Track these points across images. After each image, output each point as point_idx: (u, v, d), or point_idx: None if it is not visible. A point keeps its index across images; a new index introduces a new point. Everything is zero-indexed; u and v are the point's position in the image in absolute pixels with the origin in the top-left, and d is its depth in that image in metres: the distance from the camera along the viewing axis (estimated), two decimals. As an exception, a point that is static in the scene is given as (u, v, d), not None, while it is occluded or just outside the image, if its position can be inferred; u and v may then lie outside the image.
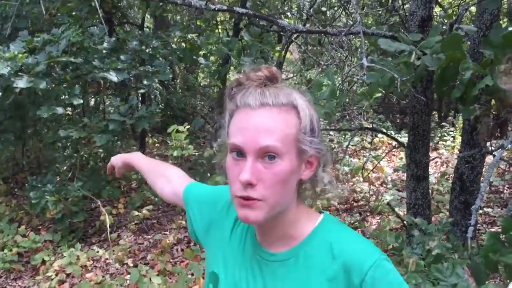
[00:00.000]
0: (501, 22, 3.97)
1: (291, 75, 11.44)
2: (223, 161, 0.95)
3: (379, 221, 5.12)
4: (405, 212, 4.06)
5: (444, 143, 8.27)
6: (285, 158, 0.86)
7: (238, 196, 0.87)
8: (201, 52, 6.08)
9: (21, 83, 4.14)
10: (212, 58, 6.32)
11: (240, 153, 0.86)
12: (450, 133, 8.79)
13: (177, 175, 1.37)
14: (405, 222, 3.76)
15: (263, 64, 5.03)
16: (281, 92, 0.89)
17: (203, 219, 1.14)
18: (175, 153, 4.35)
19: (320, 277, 0.89)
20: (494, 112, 2.40)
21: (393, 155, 7.98)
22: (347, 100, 6.15)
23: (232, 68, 6.34)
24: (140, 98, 7.42)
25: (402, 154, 7.48)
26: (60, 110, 4.58)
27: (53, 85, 4.74)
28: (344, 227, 0.98)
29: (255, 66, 0.97)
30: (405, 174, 3.79)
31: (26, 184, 4.95)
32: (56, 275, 4.01)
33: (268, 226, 0.93)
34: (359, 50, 6.14)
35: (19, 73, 4.25)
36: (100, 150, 6.17)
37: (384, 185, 6.43)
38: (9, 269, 4.30)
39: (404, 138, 6.61)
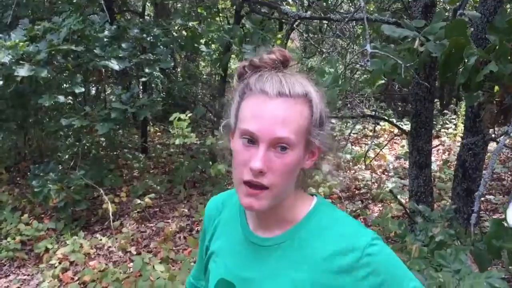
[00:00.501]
0: (505, 7, 3.94)
1: (292, 63, 11.39)
2: (228, 143, 0.96)
3: (381, 208, 5.13)
4: (407, 200, 4.06)
5: (446, 130, 8.26)
6: (295, 149, 0.87)
7: (245, 181, 0.86)
8: (202, 40, 6.05)
9: (22, 71, 4.13)
10: (213, 46, 6.29)
11: (252, 139, 0.86)
12: (452, 120, 8.78)
13: None
14: (407, 209, 3.76)
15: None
16: (297, 82, 0.89)
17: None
18: (177, 141, 4.36)
19: (315, 258, 0.91)
20: (497, 99, 2.39)
21: (395, 143, 7.98)
22: (349, 88, 6.13)
23: (233, 56, 6.31)
24: (141, 87, 7.41)
25: (404, 142, 7.48)
26: (61, 98, 4.57)
27: (55, 74, 4.73)
28: (337, 210, 1.00)
29: (265, 50, 0.94)
30: (407, 161, 3.79)
31: (29, 173, 4.96)
32: (60, 263, 4.03)
33: (266, 212, 0.94)
34: (361, 37, 6.11)
35: (21, 62, 4.25)
36: (102, 139, 6.17)
37: (386, 173, 6.43)
38: (13, 257, 4.31)
39: (406, 126, 6.59)
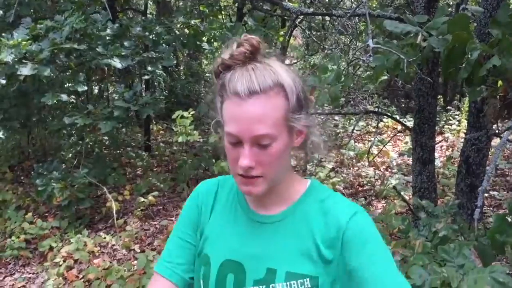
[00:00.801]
0: (508, 1, 3.92)
1: (295, 60, 11.38)
2: (221, 138, 1.00)
3: (384, 205, 5.13)
4: (411, 196, 4.05)
5: (449, 127, 8.23)
6: (279, 139, 0.92)
7: (239, 175, 0.95)
8: (204, 38, 6.05)
9: (25, 70, 4.14)
10: (215, 43, 6.28)
11: (235, 141, 0.92)
12: (456, 117, 8.75)
13: None
14: (410, 205, 3.75)
15: (267, 49, 5.02)
16: (267, 72, 0.91)
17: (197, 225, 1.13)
18: (180, 139, 4.35)
19: (316, 228, 0.99)
20: (501, 94, 2.38)
21: (398, 139, 7.97)
22: (352, 84, 6.12)
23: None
24: (144, 85, 7.42)
25: (407, 139, 7.47)
26: (64, 97, 4.58)
27: (57, 72, 4.74)
28: (330, 189, 1.09)
29: (235, 41, 0.96)
30: (411, 158, 3.79)
31: (32, 172, 4.97)
32: (64, 261, 4.04)
33: (265, 195, 1.00)
34: (364, 34, 6.10)
35: (23, 61, 4.25)
36: (105, 138, 6.18)
37: (390, 170, 6.42)
38: (17, 255, 4.33)
39: (409, 122, 6.57)
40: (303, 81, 0.99)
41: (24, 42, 4.23)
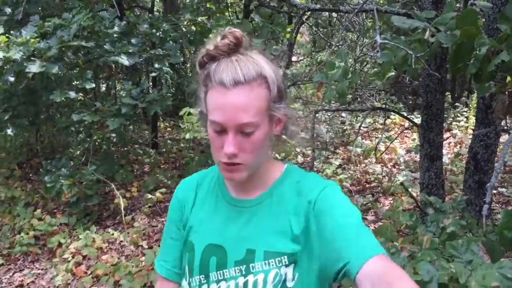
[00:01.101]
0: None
1: (302, 57, 11.37)
2: (205, 128, 1.06)
3: (391, 202, 5.11)
4: (418, 193, 4.04)
5: (457, 123, 8.19)
6: (260, 128, 0.99)
7: (222, 162, 1.00)
8: (211, 35, 6.05)
9: (33, 67, 4.16)
10: (222, 40, 6.28)
11: (220, 129, 0.98)
12: (464, 113, 8.70)
13: None
14: (418, 202, 3.74)
15: (274, 46, 5.00)
16: (251, 63, 0.97)
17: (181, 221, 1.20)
18: (187, 136, 4.37)
19: (291, 207, 1.05)
20: (509, 89, 2.36)
21: (406, 136, 7.94)
22: (359, 81, 6.10)
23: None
24: (151, 82, 7.43)
25: (415, 135, 7.44)
26: (72, 94, 4.61)
27: (65, 70, 4.76)
28: (305, 171, 1.15)
29: (219, 33, 1.03)
30: (418, 155, 3.77)
31: (41, 169, 5.01)
32: (73, 257, 4.07)
33: (244, 181, 1.07)
34: (371, 30, 6.08)
35: (32, 58, 4.28)
36: (113, 135, 6.20)
37: (397, 166, 6.40)
38: (27, 252, 4.37)
39: (417, 119, 6.55)
40: (283, 75, 1.07)
41: (32, 40, 4.25)
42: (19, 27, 4.72)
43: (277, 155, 6.37)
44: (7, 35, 4.33)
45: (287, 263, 1.02)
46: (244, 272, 1.04)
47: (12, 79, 4.35)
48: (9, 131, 4.80)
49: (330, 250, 0.95)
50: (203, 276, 1.08)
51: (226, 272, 1.05)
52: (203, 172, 1.23)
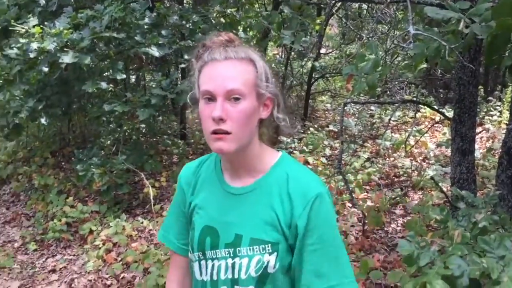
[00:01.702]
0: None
1: (330, 49, 11.26)
2: (196, 109, 1.16)
3: (421, 196, 5.05)
4: (449, 188, 3.98)
5: (490, 118, 8.00)
6: (247, 98, 1.08)
7: (211, 132, 1.07)
8: (240, 27, 6.06)
9: (66, 58, 4.25)
10: (251, 32, 6.28)
11: (210, 97, 1.07)
12: (497, 107, 8.49)
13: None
14: (449, 197, 3.68)
15: (304, 37, 4.96)
16: (240, 49, 1.12)
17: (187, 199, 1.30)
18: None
19: (277, 200, 1.12)
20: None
21: (436, 130, 7.81)
22: (389, 74, 6.02)
23: (271, 42, 6.28)
24: (180, 73, 7.49)
25: (446, 129, 7.31)
26: (104, 85, 4.69)
27: (97, 61, 4.85)
28: (298, 163, 1.23)
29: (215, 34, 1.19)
30: (449, 149, 3.71)
31: (73, 158, 5.12)
32: (103, 244, 4.16)
33: (237, 161, 1.16)
34: (402, 22, 5.97)
35: (65, 49, 4.37)
36: (142, 125, 6.28)
37: (427, 160, 6.30)
38: (59, 238, 4.49)
39: (448, 112, 6.43)
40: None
41: (65, 31, 4.34)
42: (52, 18, 4.82)
43: (304, 147, 6.36)
44: (41, 26, 4.43)
45: (270, 251, 1.11)
46: (232, 255, 1.15)
47: (46, 69, 4.44)
48: (42, 121, 4.92)
49: (297, 263, 1.11)
50: (201, 253, 1.20)
51: (218, 252, 1.17)
52: (204, 157, 1.33)
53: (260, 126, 1.17)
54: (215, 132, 1.07)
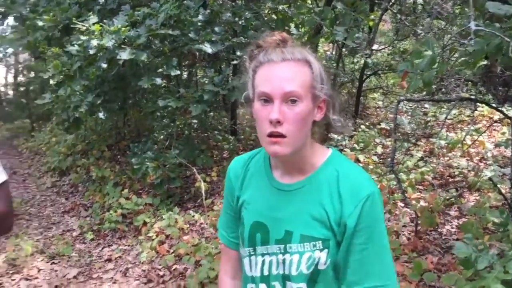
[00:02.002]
0: None
1: (383, 46, 11.03)
2: (250, 110, 1.15)
3: (477, 197, 4.87)
4: (508, 189, 3.82)
5: (553, 117, 7.60)
6: (304, 101, 1.07)
7: (268, 134, 1.06)
8: (291, 24, 6.05)
9: (124, 55, 4.39)
10: (303, 29, 6.25)
11: (267, 99, 1.06)
12: (562, 107, 8.06)
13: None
14: (508, 199, 3.54)
15: (356, 34, 4.89)
16: (296, 50, 1.10)
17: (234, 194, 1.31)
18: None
19: (327, 197, 1.12)
20: None
21: (495, 129, 7.50)
22: (445, 71, 5.83)
23: (323, 39, 6.23)
24: (232, 70, 7.57)
25: (505, 129, 7.00)
26: (159, 81, 4.81)
27: (152, 57, 4.98)
28: (349, 160, 1.22)
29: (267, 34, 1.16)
30: (509, 149, 3.56)
31: (128, 151, 5.29)
32: (157, 236, 4.28)
33: (289, 161, 1.15)
34: (460, 17, 5.78)
35: (122, 46, 4.52)
36: (194, 121, 6.41)
37: (484, 161, 6.07)
38: (115, 228, 4.66)
39: (508, 111, 6.17)
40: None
41: (123, 28, 4.48)
42: (111, 16, 5.00)
43: (355, 145, 6.28)
44: (100, 24, 4.59)
45: (321, 247, 1.12)
46: (282, 251, 1.16)
47: (104, 65, 4.61)
48: (100, 115, 5.11)
49: (343, 260, 1.12)
50: (252, 248, 1.21)
51: (269, 248, 1.18)
52: (253, 152, 1.32)
53: (312, 127, 1.15)
54: (271, 135, 1.06)
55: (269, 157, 1.24)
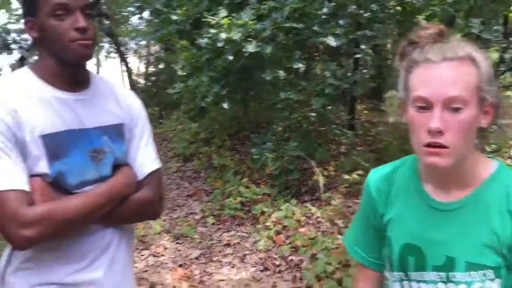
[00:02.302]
0: None
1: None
2: (402, 116, 1.04)
3: None
4: None
5: None
6: (469, 107, 0.92)
7: (425, 145, 0.94)
8: (420, 16, 5.76)
9: (250, 47, 4.52)
10: (436, 21, 5.92)
11: (425, 105, 0.93)
12: None
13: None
14: None
15: (495, 27, 4.53)
16: (458, 47, 0.95)
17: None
18: (391, 119, 4.27)
19: (496, 218, 0.97)
20: None
21: None
22: None
23: (456, 32, 5.84)
24: (353, 63, 7.44)
25: None
26: (282, 73, 4.88)
27: (276, 50, 5.06)
28: None
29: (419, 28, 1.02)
30: None
31: (247, 141, 5.44)
32: (274, 225, 4.36)
33: (448, 174, 1.01)
34: None
35: (248, 39, 4.65)
36: (313, 114, 6.39)
37: None
38: (234, 215, 4.83)
39: None
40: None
41: (250, 22, 4.61)
42: (238, 10, 5.16)
43: (486, 146, 5.83)
44: (229, 17, 4.77)
45: (492, 277, 0.98)
46: (444, 279, 1.02)
47: (231, 58, 4.78)
48: (225, 105, 5.32)
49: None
50: (403, 274, 1.09)
51: (425, 275, 1.05)
52: (394, 164, 1.19)
53: (477, 134, 1.00)
54: (429, 145, 0.93)
55: (417, 169, 1.10)
